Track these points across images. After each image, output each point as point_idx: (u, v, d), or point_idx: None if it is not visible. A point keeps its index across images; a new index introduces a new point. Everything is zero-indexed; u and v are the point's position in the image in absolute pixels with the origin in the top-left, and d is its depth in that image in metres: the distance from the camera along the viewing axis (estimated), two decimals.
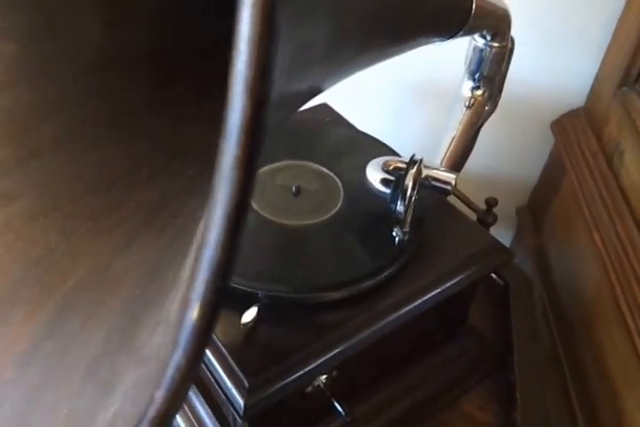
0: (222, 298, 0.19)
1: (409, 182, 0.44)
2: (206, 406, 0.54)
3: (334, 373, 0.48)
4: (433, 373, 0.59)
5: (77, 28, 0.34)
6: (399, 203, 0.45)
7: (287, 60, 0.19)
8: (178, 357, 0.18)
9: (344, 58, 0.28)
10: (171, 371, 0.18)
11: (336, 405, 0.48)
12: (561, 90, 0.79)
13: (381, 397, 0.56)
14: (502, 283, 0.70)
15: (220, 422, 0.53)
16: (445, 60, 0.76)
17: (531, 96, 0.80)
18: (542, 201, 0.85)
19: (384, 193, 0.48)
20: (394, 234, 0.47)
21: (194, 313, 0.18)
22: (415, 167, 0.45)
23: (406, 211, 0.45)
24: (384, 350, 0.54)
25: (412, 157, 0.45)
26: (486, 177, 0.90)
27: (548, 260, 0.79)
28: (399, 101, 0.87)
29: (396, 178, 0.47)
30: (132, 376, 0.21)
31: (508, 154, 0.88)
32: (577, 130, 0.74)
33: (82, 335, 0.24)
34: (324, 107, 0.67)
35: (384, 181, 0.48)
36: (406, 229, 0.47)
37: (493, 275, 0.71)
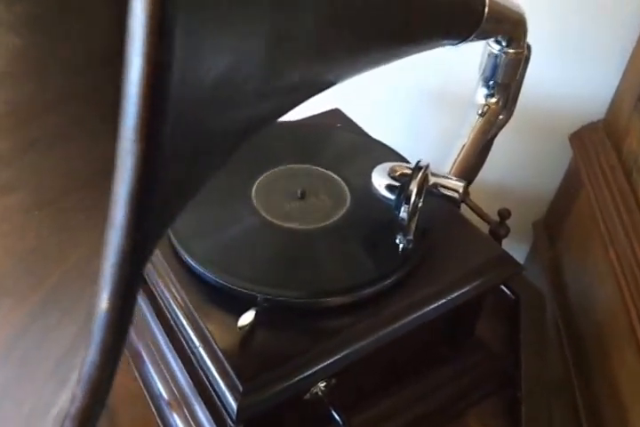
0: (135, 287, 0.18)
1: (413, 188, 0.44)
2: (206, 410, 0.54)
3: (333, 381, 0.48)
4: (437, 386, 0.58)
5: (84, 23, 0.34)
6: (403, 209, 0.44)
7: (263, 51, 0.19)
8: (92, 351, 0.18)
9: (340, 55, 0.28)
10: (86, 367, 0.18)
11: (334, 414, 0.47)
12: (580, 102, 0.78)
13: (382, 408, 0.55)
14: (513, 297, 0.69)
15: None
16: (462, 68, 0.76)
17: (549, 107, 0.79)
18: (559, 215, 0.83)
19: (389, 199, 0.47)
20: (397, 241, 0.47)
21: (103, 304, 0.17)
22: (421, 173, 0.44)
23: (410, 218, 0.45)
24: (386, 360, 0.54)
25: (417, 163, 0.45)
26: (502, 189, 0.89)
27: (563, 276, 0.78)
28: (413, 109, 0.87)
29: (401, 184, 0.47)
30: (77, 373, 0.21)
31: (525, 166, 0.87)
32: (595, 143, 0.73)
33: (57, 330, 0.24)
34: (336, 112, 0.67)
35: (389, 187, 0.47)
36: (410, 237, 0.47)
37: (504, 288, 0.70)
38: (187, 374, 0.56)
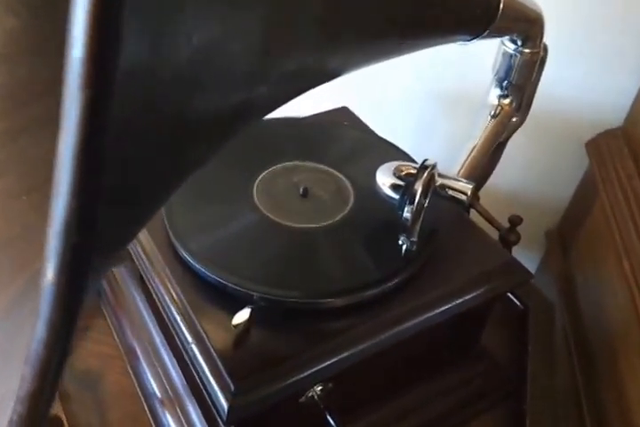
0: (84, 261, 0.17)
1: (418, 188, 0.43)
2: (198, 409, 0.53)
3: (330, 385, 0.47)
4: (438, 395, 0.57)
5: None
6: (406, 209, 0.44)
7: (258, 27, 0.18)
8: (39, 328, 0.17)
9: (345, 43, 0.27)
10: (34, 344, 0.17)
11: (329, 419, 0.46)
12: (597, 108, 0.77)
13: (380, 416, 0.54)
14: (522, 307, 0.68)
15: None
16: (474, 70, 0.75)
17: (566, 113, 0.78)
18: (572, 225, 0.82)
19: (393, 199, 0.47)
20: (400, 242, 0.46)
21: (48, 276, 0.16)
22: (426, 173, 0.44)
23: (414, 219, 0.44)
24: (386, 366, 0.53)
25: (423, 162, 0.44)
26: (514, 196, 0.88)
27: (575, 286, 0.76)
28: (423, 110, 0.86)
29: (405, 184, 0.46)
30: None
31: (539, 173, 0.85)
32: (613, 151, 0.72)
33: (34, 316, 0.24)
34: (344, 110, 0.66)
35: (394, 187, 0.47)
36: (414, 239, 0.46)
37: (513, 297, 0.69)
38: (180, 373, 0.56)
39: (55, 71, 0.34)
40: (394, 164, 0.48)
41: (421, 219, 0.45)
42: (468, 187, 0.48)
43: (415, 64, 0.81)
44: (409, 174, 0.47)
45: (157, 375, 0.57)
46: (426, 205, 0.45)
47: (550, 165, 0.84)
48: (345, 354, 0.44)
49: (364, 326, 0.46)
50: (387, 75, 0.82)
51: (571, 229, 0.82)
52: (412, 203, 0.43)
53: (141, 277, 0.61)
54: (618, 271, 0.65)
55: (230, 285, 0.45)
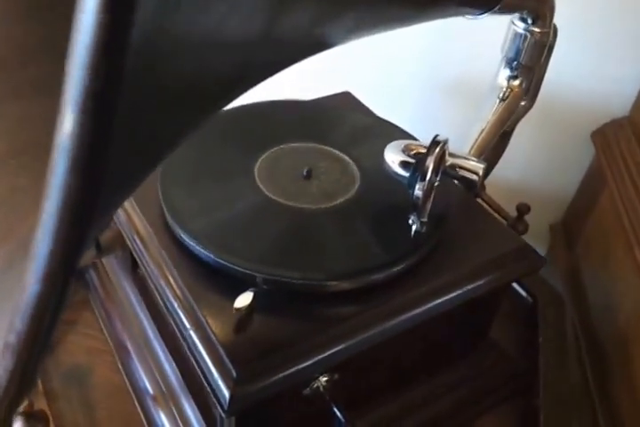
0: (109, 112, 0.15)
1: (430, 164, 0.42)
2: (194, 405, 0.51)
3: (336, 375, 0.45)
4: (447, 389, 0.55)
5: None
6: (417, 187, 0.42)
7: None
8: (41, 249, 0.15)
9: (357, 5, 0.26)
10: (26, 295, 0.15)
11: (335, 411, 0.45)
12: (602, 98, 0.76)
13: (387, 411, 0.53)
14: (530, 299, 0.67)
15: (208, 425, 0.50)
16: (478, 57, 0.74)
17: (570, 104, 0.77)
18: (578, 218, 0.81)
19: (402, 176, 0.45)
20: (410, 222, 0.45)
21: (67, 125, 0.14)
22: (438, 148, 0.42)
23: (425, 197, 0.43)
24: (393, 357, 0.51)
25: (435, 137, 0.43)
26: (518, 190, 0.87)
27: (582, 281, 0.75)
28: (428, 97, 0.85)
29: (416, 160, 0.44)
30: None
31: (543, 166, 0.85)
32: (620, 140, 0.71)
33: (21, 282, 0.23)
34: (346, 95, 0.65)
35: (404, 164, 0.45)
36: (424, 219, 0.45)
37: (521, 290, 0.68)
38: (175, 367, 0.54)
39: (50, 32, 0.33)
40: (402, 142, 0.47)
41: (432, 197, 0.43)
42: (479, 166, 0.47)
43: (419, 50, 0.80)
44: (418, 153, 0.46)
45: (150, 370, 0.55)
46: (436, 184, 0.43)
47: (554, 157, 0.83)
48: (351, 341, 0.43)
49: (371, 312, 0.44)
50: (390, 60, 0.81)
51: (576, 222, 0.81)
52: (423, 179, 0.42)
53: (133, 267, 0.59)
54: (628, 262, 0.64)
55: (232, 266, 0.43)
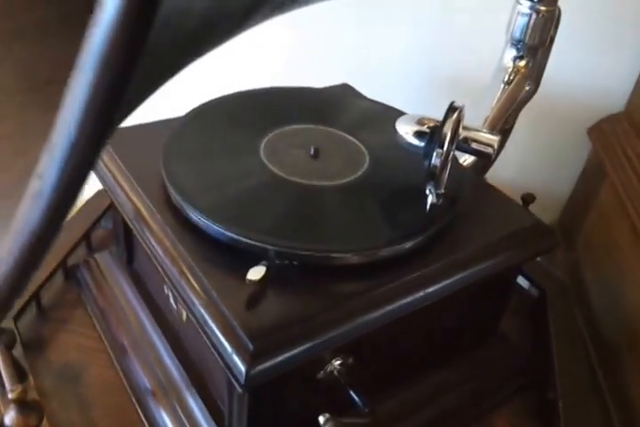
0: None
1: (447, 131, 0.41)
2: (199, 399, 0.49)
3: (350, 360, 0.43)
4: (459, 381, 0.54)
5: None
6: (435, 155, 0.41)
7: None
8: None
9: None
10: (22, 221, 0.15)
11: (352, 394, 0.43)
12: (598, 94, 0.77)
13: (400, 401, 0.51)
14: (535, 292, 0.66)
15: (215, 421, 0.47)
16: (477, 52, 0.75)
17: (565, 100, 0.78)
18: (576, 216, 0.81)
19: (417, 147, 0.44)
20: (427, 192, 0.44)
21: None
22: (455, 114, 0.42)
23: (443, 165, 0.42)
24: (405, 344, 0.49)
25: (451, 104, 0.42)
26: (514, 190, 0.86)
27: (584, 280, 0.75)
28: (426, 94, 0.85)
29: (431, 130, 0.44)
30: None
31: (538, 165, 0.85)
32: (618, 133, 0.72)
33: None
34: (345, 86, 0.65)
35: (418, 134, 0.44)
36: (441, 191, 0.44)
37: (526, 283, 0.67)
38: (176, 360, 0.52)
39: None
40: (415, 116, 0.46)
41: (449, 167, 0.43)
42: (494, 139, 0.46)
43: (416, 42, 0.80)
44: (432, 127, 0.45)
45: (148, 365, 0.53)
46: (453, 152, 0.43)
47: (549, 156, 0.84)
48: (367, 316, 0.41)
49: (387, 287, 0.43)
50: (388, 53, 0.81)
51: (574, 220, 0.81)
52: (441, 146, 0.41)
53: (128, 262, 0.57)
54: (634, 256, 0.63)
55: (244, 239, 0.41)
